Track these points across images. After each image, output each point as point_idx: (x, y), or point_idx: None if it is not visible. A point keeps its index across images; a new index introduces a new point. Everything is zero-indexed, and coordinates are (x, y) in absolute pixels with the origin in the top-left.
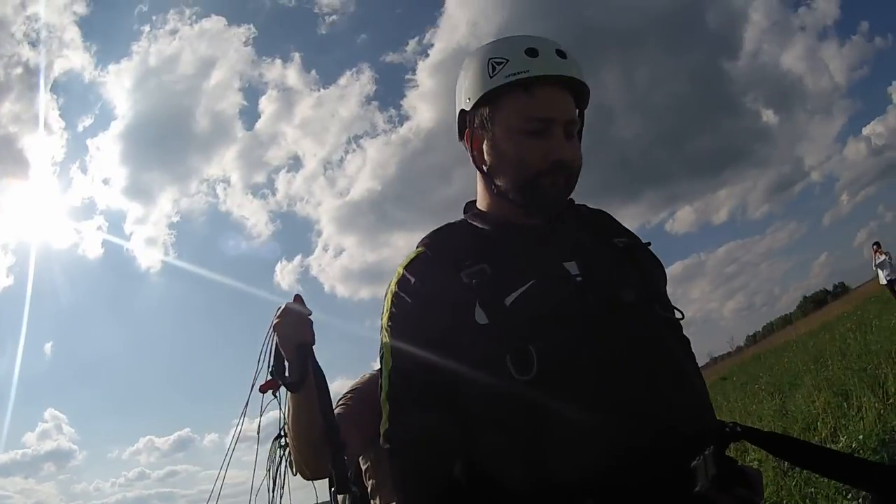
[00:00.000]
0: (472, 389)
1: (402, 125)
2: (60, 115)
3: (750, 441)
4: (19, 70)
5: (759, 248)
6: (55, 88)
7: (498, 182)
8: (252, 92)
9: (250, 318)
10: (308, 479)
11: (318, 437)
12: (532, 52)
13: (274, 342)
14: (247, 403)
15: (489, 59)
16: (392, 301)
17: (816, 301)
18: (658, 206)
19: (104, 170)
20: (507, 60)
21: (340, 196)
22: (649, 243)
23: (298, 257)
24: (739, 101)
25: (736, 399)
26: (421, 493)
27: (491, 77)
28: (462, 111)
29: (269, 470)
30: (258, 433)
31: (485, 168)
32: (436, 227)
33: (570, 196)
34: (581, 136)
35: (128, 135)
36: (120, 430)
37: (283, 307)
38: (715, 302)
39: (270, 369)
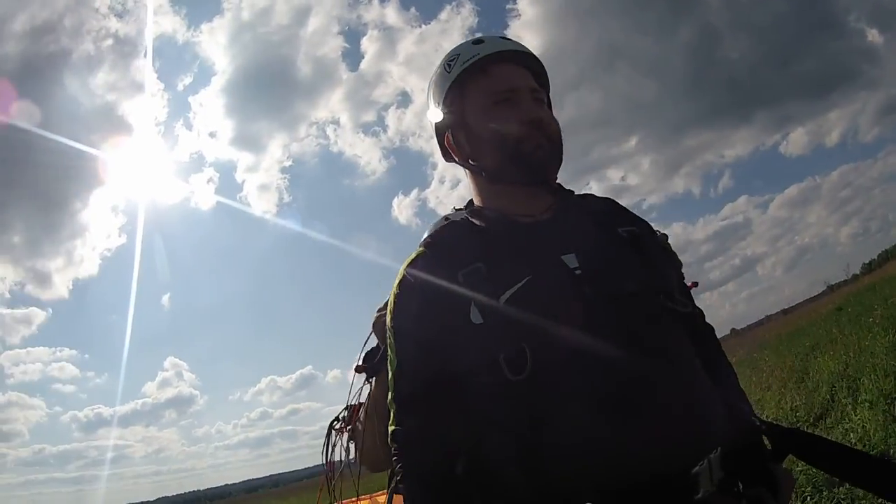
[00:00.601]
0: (471, 390)
1: None
2: (158, 78)
3: (769, 438)
4: (109, 42)
5: (873, 172)
6: (149, 53)
7: (485, 166)
8: (352, 34)
9: (370, 254)
10: (373, 471)
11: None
12: (478, 41)
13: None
14: (351, 386)
15: (444, 63)
16: (395, 302)
17: None
18: (770, 128)
19: (209, 124)
20: (459, 55)
21: None
22: (665, 236)
23: (415, 191)
24: (843, 20)
25: (850, 332)
26: (424, 494)
27: (448, 73)
28: (436, 126)
29: (326, 453)
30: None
31: (471, 161)
32: (439, 226)
33: (575, 191)
34: (551, 109)
35: (230, 88)
36: (241, 373)
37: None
38: (831, 227)
39: (364, 354)
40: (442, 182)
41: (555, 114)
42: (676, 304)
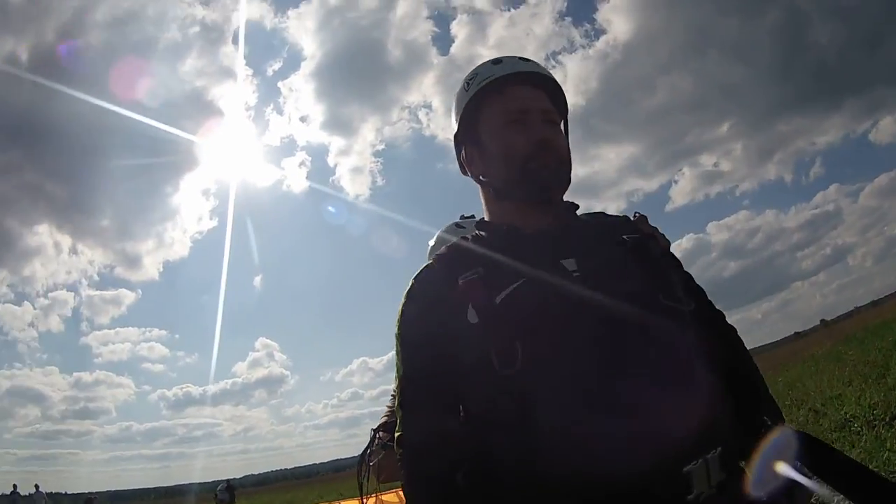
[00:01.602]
0: (470, 390)
1: (598, 39)
2: (247, 64)
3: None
4: (196, 28)
5: None
6: (236, 40)
7: (494, 183)
8: (441, 18)
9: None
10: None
11: None
12: (497, 61)
13: None
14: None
15: (464, 82)
16: (401, 310)
17: None
18: (860, 115)
19: (300, 108)
20: (477, 74)
21: None
22: (668, 242)
23: None
24: None
25: None
26: (428, 498)
27: (467, 92)
28: (455, 138)
29: (365, 456)
30: None
31: (482, 178)
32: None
33: (583, 207)
34: (567, 134)
35: (320, 73)
36: (332, 354)
37: None
38: None
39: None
40: None
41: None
42: (678, 302)
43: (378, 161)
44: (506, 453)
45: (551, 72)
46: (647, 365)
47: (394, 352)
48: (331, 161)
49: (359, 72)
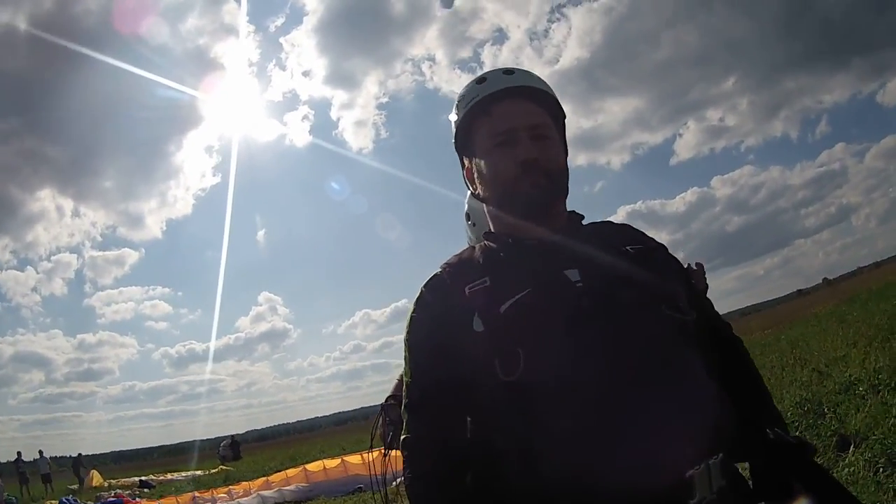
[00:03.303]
0: (476, 396)
1: None
2: (249, 21)
3: (773, 453)
4: None
5: None
6: None
7: (490, 202)
8: None
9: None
10: None
11: None
12: (481, 80)
13: None
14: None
15: (455, 104)
16: (411, 318)
17: None
18: (867, 75)
19: (303, 63)
20: (464, 96)
21: (549, 65)
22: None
23: None
24: None
25: None
26: (432, 499)
27: (458, 114)
28: (459, 154)
29: (374, 432)
30: None
31: (481, 196)
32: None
33: (583, 215)
34: (565, 140)
35: (322, 27)
36: (335, 307)
37: None
38: None
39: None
40: None
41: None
42: (680, 312)
43: (381, 114)
44: (509, 458)
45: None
46: (648, 373)
47: (392, 310)
48: (334, 115)
49: (361, 25)
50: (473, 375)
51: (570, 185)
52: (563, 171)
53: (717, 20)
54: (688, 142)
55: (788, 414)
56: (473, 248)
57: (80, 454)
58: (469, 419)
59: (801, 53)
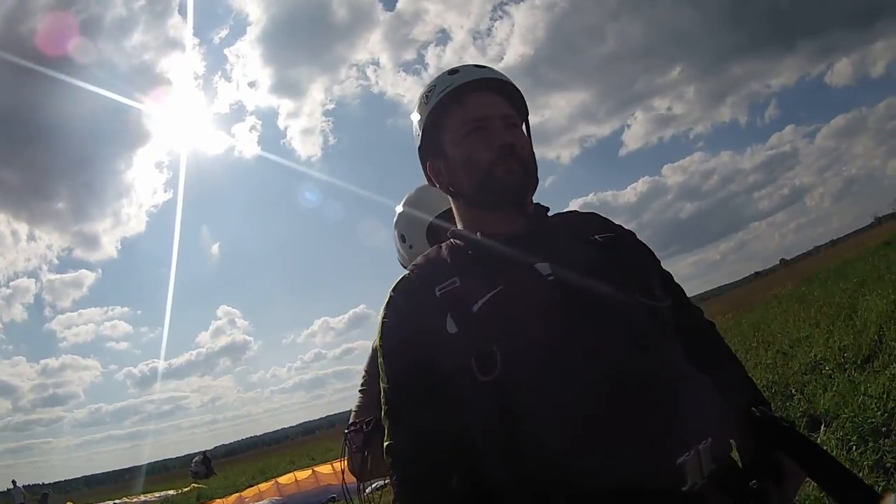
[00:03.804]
0: (455, 398)
1: None
2: (194, 34)
3: (762, 431)
4: (142, 2)
5: None
6: (182, 10)
7: (462, 192)
8: None
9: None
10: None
11: None
12: (453, 71)
13: None
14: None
15: (422, 95)
16: (382, 322)
17: None
18: (815, 57)
19: (248, 74)
20: (435, 86)
21: (493, 62)
22: (633, 233)
23: None
24: None
25: None
26: (419, 502)
27: (426, 105)
28: (420, 151)
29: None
30: None
31: (451, 188)
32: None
33: (551, 208)
34: (529, 135)
35: (266, 37)
36: (293, 316)
37: None
38: (878, 160)
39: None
40: None
41: (532, 136)
42: (653, 298)
43: (329, 120)
44: (494, 457)
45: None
46: (626, 362)
47: (351, 316)
48: (281, 124)
49: (304, 33)
50: (451, 377)
51: None
52: (534, 162)
53: (662, 11)
54: (636, 132)
55: None
56: (440, 246)
57: (47, 493)
58: (450, 421)
59: (748, 39)
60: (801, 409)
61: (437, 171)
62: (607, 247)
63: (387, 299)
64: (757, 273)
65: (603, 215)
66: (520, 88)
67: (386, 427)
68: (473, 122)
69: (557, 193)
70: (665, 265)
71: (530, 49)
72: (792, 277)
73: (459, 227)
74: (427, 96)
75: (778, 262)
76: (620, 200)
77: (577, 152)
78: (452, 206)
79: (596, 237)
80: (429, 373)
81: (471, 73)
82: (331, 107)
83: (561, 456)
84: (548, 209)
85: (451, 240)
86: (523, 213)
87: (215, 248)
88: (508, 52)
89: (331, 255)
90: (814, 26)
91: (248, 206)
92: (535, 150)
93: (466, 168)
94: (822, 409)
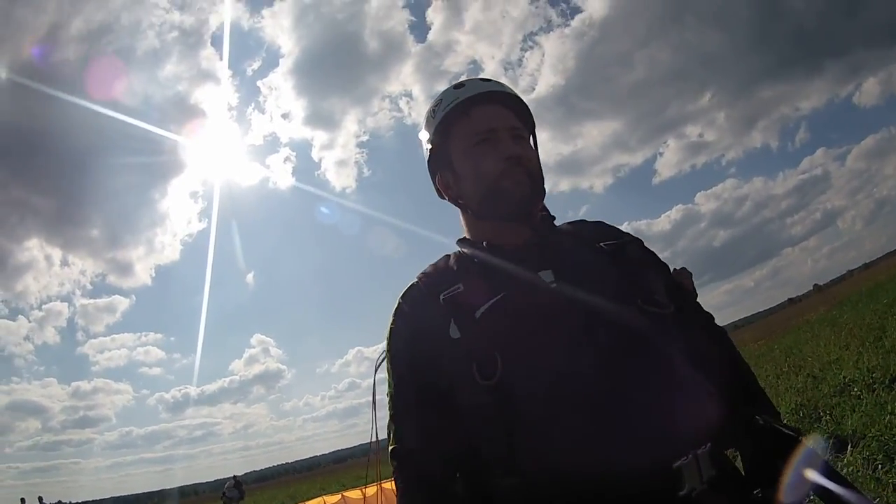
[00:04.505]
0: (458, 403)
1: (574, 17)
2: (227, 66)
3: (763, 440)
4: (175, 34)
5: None
6: (215, 42)
7: (470, 204)
8: (417, 6)
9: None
10: None
11: None
12: (459, 86)
13: None
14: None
15: (429, 109)
16: (390, 329)
17: None
18: (842, 78)
19: (281, 106)
20: (442, 100)
21: (525, 93)
22: (641, 241)
23: None
24: None
25: None
26: None
27: (434, 119)
28: (429, 165)
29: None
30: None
31: (459, 200)
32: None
33: (561, 219)
34: (536, 147)
35: (298, 69)
36: (327, 346)
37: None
38: None
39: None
40: None
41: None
42: (656, 305)
43: (363, 152)
44: (495, 460)
45: (531, 50)
46: (627, 369)
47: (385, 346)
48: (315, 155)
49: (337, 65)
50: (454, 382)
51: (553, 211)
52: (541, 173)
53: (690, 36)
54: (668, 160)
55: (785, 421)
56: (448, 256)
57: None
58: (454, 425)
59: (775, 62)
60: (828, 430)
61: (445, 185)
62: (612, 254)
63: (395, 306)
64: (790, 299)
65: (610, 224)
66: (547, 115)
67: (390, 431)
68: (480, 134)
69: None
70: (700, 294)
71: (561, 79)
72: (825, 302)
73: (468, 235)
74: (434, 111)
75: (811, 288)
76: (654, 229)
77: (611, 181)
78: (461, 218)
79: (601, 245)
80: (433, 377)
81: (476, 86)
82: (364, 138)
83: (557, 461)
84: (554, 218)
85: (459, 248)
86: (530, 222)
87: (250, 276)
88: (540, 82)
89: (365, 285)
90: (839, 46)
91: (283, 236)
92: (568, 180)
93: (474, 180)
94: (850, 429)
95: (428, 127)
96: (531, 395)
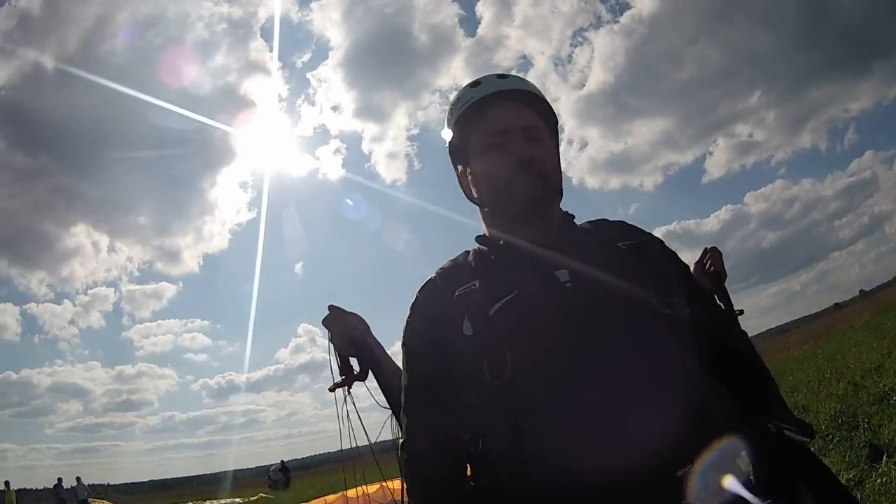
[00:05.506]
0: (468, 399)
1: (623, 14)
2: (276, 58)
3: (773, 449)
4: (224, 25)
5: None
6: (264, 34)
7: (485, 204)
8: (466, 0)
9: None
10: None
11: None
12: (475, 84)
13: (331, 345)
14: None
15: (448, 109)
16: (407, 322)
17: None
18: (890, 80)
19: (331, 98)
20: (459, 99)
21: (576, 90)
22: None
23: None
24: None
25: None
26: (428, 499)
27: (451, 118)
28: (452, 161)
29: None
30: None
31: (476, 199)
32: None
33: (577, 218)
34: (558, 145)
35: (348, 62)
36: (377, 335)
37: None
38: None
39: (340, 368)
40: (570, 144)
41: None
42: (671, 307)
43: (413, 145)
44: (501, 460)
45: (578, 44)
46: (637, 371)
47: None
48: (365, 148)
49: (387, 58)
50: (465, 378)
51: (603, 208)
52: (557, 173)
53: (739, 34)
54: (718, 159)
55: (822, 427)
56: (467, 252)
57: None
58: (465, 422)
59: (823, 62)
60: (865, 438)
61: (464, 182)
62: (631, 254)
63: (413, 300)
64: (836, 304)
65: (631, 223)
66: (598, 112)
67: (402, 424)
68: (493, 136)
69: (641, 222)
70: (747, 296)
71: (611, 76)
72: (870, 308)
73: (486, 232)
74: (452, 110)
75: (858, 293)
76: (703, 229)
77: (661, 180)
78: (480, 216)
79: (620, 245)
80: (445, 373)
81: (492, 84)
82: (415, 132)
83: (560, 463)
84: (573, 217)
85: (477, 245)
86: (545, 222)
87: (298, 266)
88: (590, 78)
89: (413, 277)
90: (888, 46)
91: (332, 227)
92: (618, 178)
93: (486, 181)
94: (887, 439)
95: (448, 125)
96: (538, 396)
